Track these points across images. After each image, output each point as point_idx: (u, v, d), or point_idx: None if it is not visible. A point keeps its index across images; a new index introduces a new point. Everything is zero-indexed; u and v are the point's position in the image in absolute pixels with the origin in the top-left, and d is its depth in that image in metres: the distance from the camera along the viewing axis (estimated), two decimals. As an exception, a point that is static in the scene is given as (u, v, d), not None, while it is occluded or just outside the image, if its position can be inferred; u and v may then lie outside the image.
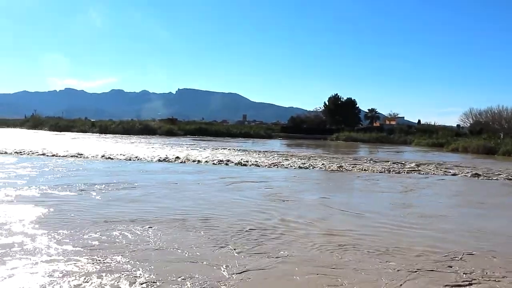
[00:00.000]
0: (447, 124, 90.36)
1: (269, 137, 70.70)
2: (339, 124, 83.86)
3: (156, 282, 5.66)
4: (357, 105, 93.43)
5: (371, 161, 27.09)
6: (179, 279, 5.78)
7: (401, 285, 5.94)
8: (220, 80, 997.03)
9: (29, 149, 26.90)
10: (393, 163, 26.51)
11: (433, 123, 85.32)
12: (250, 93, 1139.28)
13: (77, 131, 68.26)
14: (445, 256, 7.36)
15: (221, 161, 24.21)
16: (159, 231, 8.21)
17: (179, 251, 7.05)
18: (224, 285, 5.66)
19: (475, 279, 6.24)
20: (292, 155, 30.17)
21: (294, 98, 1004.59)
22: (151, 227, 8.49)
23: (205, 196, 12.63)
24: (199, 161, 23.79)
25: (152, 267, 6.22)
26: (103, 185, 13.81)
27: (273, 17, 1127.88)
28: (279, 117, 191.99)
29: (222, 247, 7.35)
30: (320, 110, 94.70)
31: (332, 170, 22.28)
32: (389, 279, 6.14)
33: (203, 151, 31.89)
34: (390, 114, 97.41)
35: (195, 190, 13.81)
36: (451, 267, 6.79)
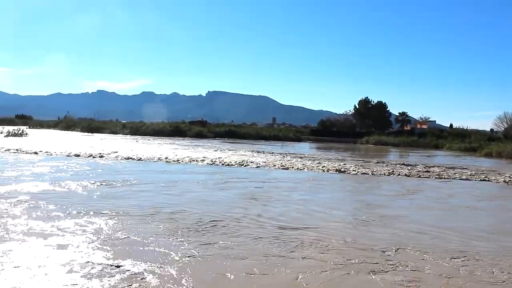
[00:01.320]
0: (480, 128, 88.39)
1: (299, 140, 70.45)
2: (369, 127, 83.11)
3: (116, 261, 6.75)
4: (387, 109, 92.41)
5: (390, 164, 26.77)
6: (135, 261, 6.75)
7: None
8: (250, 82, 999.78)
9: (55, 150, 27.70)
10: (402, 164, 26.40)
11: (465, 127, 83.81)
12: (280, 96, 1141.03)
13: (108, 133, 69.41)
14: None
15: (240, 163, 24.60)
16: (130, 222, 9.26)
17: (139, 238, 8.06)
18: (169, 266, 6.61)
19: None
20: (314, 159, 30.14)
21: (324, 101, 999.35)
22: (123, 219, 9.52)
23: (192, 194, 13.44)
24: (213, 162, 24.37)
25: (116, 249, 7.35)
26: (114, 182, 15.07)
27: (303, 20, 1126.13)
28: (308, 120, 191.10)
29: (175, 236, 8.35)
30: (350, 113, 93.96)
31: (348, 172, 22.38)
32: (318, 271, 6.73)
33: (225, 153, 32.56)
34: (421, 118, 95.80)
35: (189, 189, 14.59)
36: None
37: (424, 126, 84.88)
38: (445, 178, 21.55)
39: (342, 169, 23.34)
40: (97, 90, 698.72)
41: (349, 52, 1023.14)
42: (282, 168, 23.30)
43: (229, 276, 6.37)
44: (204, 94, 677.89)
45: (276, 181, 18.08)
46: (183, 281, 6.07)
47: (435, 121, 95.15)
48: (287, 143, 60.01)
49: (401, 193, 16.36)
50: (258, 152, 35.41)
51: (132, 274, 6.20)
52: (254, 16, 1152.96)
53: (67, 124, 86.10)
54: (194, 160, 25.13)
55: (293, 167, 23.79)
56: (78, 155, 25.54)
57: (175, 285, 5.91)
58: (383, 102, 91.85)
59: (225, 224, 9.51)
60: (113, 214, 9.99)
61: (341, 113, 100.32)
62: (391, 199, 14.97)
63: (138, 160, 24.51)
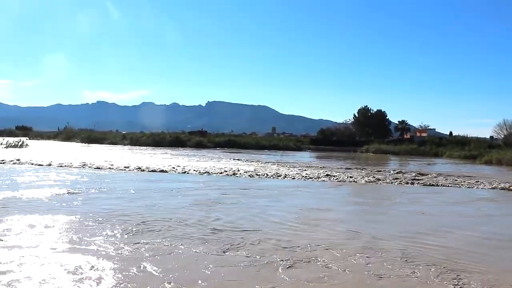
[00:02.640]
0: (480, 136, 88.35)
1: (299, 149, 70.51)
2: (369, 136, 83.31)
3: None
4: (387, 117, 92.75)
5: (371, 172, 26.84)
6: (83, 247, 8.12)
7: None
8: (250, 92, 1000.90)
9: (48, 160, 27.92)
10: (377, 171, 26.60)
11: (465, 135, 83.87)
12: (280, 106, 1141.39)
13: (108, 143, 69.45)
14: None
15: (228, 172, 24.86)
16: (84, 222, 10.38)
17: (87, 236, 9.10)
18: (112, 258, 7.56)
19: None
20: (309, 166, 30.53)
21: (323, 110, 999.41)
22: (72, 221, 10.53)
23: (148, 201, 14.09)
24: (208, 172, 24.57)
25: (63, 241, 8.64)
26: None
27: (302, 29, 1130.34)
28: (308, 129, 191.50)
29: (115, 233, 9.39)
30: (350, 122, 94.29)
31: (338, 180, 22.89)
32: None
33: (218, 162, 33.13)
34: (420, 126, 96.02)
35: (151, 196, 15.28)
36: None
37: (424, 134, 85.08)
38: (430, 185, 22.04)
39: (344, 178, 23.61)
40: (97, 101, 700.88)
41: (348, 61, 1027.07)
42: (276, 177, 23.77)
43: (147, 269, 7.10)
44: (204, 104, 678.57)
45: (255, 189, 18.46)
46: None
47: (434, 129, 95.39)
48: (287, 153, 60.05)
49: (366, 201, 16.84)
50: (253, 161, 35.74)
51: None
52: (254, 26, 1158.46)
53: (67, 135, 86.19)
54: (185, 169, 25.58)
55: (285, 176, 24.17)
56: (70, 166, 26.13)
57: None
58: (383, 110, 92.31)
59: (162, 226, 10.25)
60: (65, 217, 10.89)
61: (341, 122, 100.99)
62: (343, 203, 15.89)
63: (124, 168, 25.34)
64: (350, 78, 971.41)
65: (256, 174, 24.51)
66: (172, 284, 6.49)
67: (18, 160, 28.52)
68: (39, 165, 26.41)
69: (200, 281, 6.61)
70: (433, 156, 58.66)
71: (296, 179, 23.17)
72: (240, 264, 7.54)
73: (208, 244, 8.73)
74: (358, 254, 8.30)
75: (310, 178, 23.40)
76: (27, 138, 77.38)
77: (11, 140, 55.41)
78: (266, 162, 34.67)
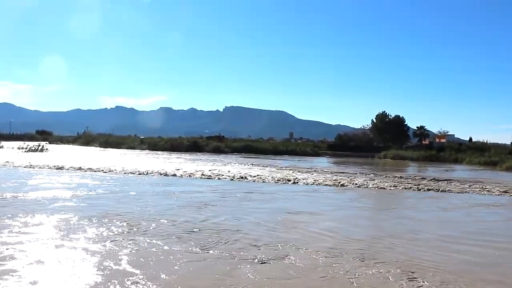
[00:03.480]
0: (500, 141, 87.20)
1: (316, 154, 70.34)
2: (387, 142, 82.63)
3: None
4: (405, 123, 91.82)
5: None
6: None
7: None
8: (267, 97, 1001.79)
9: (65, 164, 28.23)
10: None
11: (485, 141, 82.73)
12: (297, 111, 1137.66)
13: (126, 148, 70.02)
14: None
15: (237, 176, 25.35)
16: (79, 221, 11.23)
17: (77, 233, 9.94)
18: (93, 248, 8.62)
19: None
20: (323, 172, 30.76)
21: (341, 116, 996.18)
22: (66, 217, 11.62)
23: (147, 202, 14.94)
24: (220, 176, 25.14)
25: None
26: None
27: (319, 34, 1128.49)
28: (326, 134, 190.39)
29: (102, 231, 10.14)
30: (368, 127, 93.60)
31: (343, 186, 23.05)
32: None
33: (230, 167, 33.56)
34: (439, 132, 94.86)
35: (150, 198, 15.96)
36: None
37: (443, 140, 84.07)
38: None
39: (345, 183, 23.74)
40: (116, 106, 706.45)
41: (366, 67, 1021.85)
42: (286, 181, 24.01)
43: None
44: (221, 110, 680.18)
45: (258, 193, 18.87)
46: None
47: (454, 134, 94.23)
48: (304, 158, 59.91)
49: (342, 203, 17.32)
50: (267, 166, 36.08)
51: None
52: (271, 32, 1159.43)
53: (86, 139, 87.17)
54: (192, 174, 26.16)
55: (295, 181, 24.32)
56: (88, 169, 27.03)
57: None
58: (401, 116, 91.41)
59: (149, 225, 10.98)
60: (61, 215, 11.90)
61: (359, 127, 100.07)
62: (337, 208, 15.86)
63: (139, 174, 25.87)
64: (368, 84, 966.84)
65: (265, 178, 24.76)
66: (139, 277, 7.02)
67: (33, 164, 29.46)
68: (51, 168, 27.56)
69: (166, 276, 7.09)
70: (453, 162, 57.97)
71: (304, 184, 23.32)
72: (211, 260, 8.14)
73: (188, 242, 9.39)
74: (322, 253, 8.82)
75: (319, 183, 23.53)
76: (47, 142, 78.53)
77: (32, 144, 56.26)
78: (280, 167, 34.72)
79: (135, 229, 10.51)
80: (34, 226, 10.45)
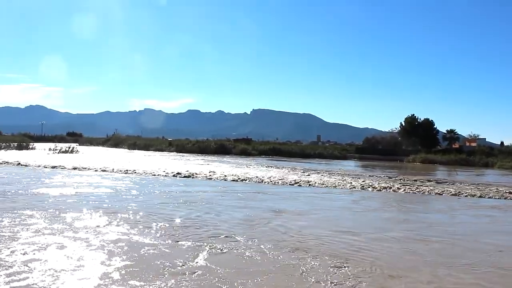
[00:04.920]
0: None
1: (344, 158, 69.95)
2: (416, 145, 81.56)
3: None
4: (434, 126, 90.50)
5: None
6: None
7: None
8: (294, 100, 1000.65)
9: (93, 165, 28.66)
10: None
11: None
12: (324, 114, 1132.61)
13: (154, 150, 70.69)
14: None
15: (253, 178, 25.67)
16: (73, 213, 12.61)
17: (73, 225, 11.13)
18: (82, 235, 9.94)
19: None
20: (344, 174, 30.53)
21: (369, 119, 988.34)
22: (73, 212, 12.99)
23: (146, 200, 15.91)
24: (235, 179, 25.42)
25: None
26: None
27: (347, 39, 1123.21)
28: (353, 138, 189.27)
29: (92, 224, 11.23)
30: (396, 131, 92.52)
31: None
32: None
33: (250, 169, 33.57)
34: (470, 135, 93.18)
35: (151, 197, 16.89)
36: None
37: (474, 144, 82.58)
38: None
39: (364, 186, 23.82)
40: (144, 109, 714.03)
41: (395, 69, 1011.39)
42: (300, 183, 24.34)
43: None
44: (249, 112, 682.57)
45: (261, 193, 19.53)
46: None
47: (485, 138, 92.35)
48: (331, 161, 59.65)
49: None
50: (289, 168, 35.73)
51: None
52: (299, 35, 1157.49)
53: (114, 141, 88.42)
54: (211, 175, 26.61)
55: (309, 183, 24.51)
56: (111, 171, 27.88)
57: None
58: (430, 119, 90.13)
59: (130, 219, 12.02)
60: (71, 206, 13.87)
61: (387, 130, 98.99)
62: (326, 208, 16.14)
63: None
64: (397, 87, 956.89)
65: (281, 180, 25.16)
66: (104, 261, 7.97)
67: (63, 165, 30.24)
68: (77, 168, 28.45)
69: (128, 261, 8.00)
70: (483, 166, 56.97)
71: (315, 186, 23.49)
72: (170, 248, 9.07)
73: (157, 233, 10.36)
74: (272, 247, 9.48)
75: (335, 185, 23.78)
76: (77, 144, 79.84)
77: (63, 146, 57.40)
78: (303, 170, 34.71)
79: (119, 222, 11.60)
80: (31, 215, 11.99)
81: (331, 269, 8.06)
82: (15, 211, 12.39)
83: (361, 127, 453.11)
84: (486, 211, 17.23)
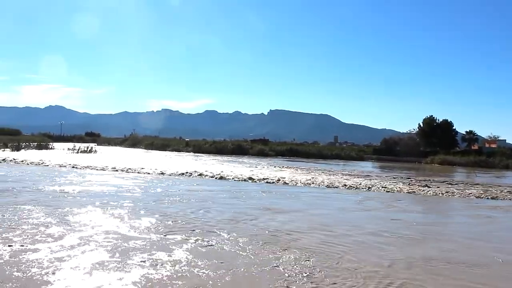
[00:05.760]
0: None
1: (361, 159, 69.57)
2: (434, 146, 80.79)
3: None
4: (453, 127, 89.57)
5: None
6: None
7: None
8: (312, 101, 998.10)
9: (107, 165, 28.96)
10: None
11: (539, 146, 79.68)
12: (342, 115, 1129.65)
13: (171, 150, 71.03)
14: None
15: (262, 179, 25.75)
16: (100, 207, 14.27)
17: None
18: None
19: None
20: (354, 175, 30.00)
21: (387, 120, 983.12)
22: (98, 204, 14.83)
23: (140, 198, 16.45)
24: (248, 179, 25.56)
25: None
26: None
27: (365, 39, 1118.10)
28: (371, 139, 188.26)
29: (91, 212, 12.92)
30: (414, 132, 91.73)
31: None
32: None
33: (262, 169, 33.33)
34: (490, 137, 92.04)
35: (151, 196, 17.10)
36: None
37: (493, 145, 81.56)
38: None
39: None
40: (162, 109, 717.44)
41: (413, 70, 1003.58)
42: (308, 183, 24.45)
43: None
44: (266, 113, 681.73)
45: (263, 192, 19.93)
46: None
47: (505, 140, 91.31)
48: (349, 162, 59.38)
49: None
50: (304, 169, 35.63)
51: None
52: (315, 37, 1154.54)
53: (132, 141, 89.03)
54: (222, 175, 26.80)
55: (318, 183, 24.56)
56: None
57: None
58: (449, 120, 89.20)
59: (125, 211, 13.27)
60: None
61: (405, 132, 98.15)
62: (317, 207, 16.48)
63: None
64: (415, 88, 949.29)
65: (291, 181, 25.27)
66: (91, 252, 8.64)
67: (76, 165, 30.73)
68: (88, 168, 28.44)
69: (114, 253, 8.62)
70: (504, 168, 56.17)
71: (322, 186, 23.50)
72: (157, 241, 9.71)
73: (147, 228, 11.03)
74: (247, 241, 10.10)
75: (353, 186, 23.77)
76: (95, 144, 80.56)
77: (81, 145, 58.05)
78: (316, 170, 34.72)
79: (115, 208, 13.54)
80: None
81: (296, 261, 8.62)
82: (16, 205, 13.30)
83: (379, 128, 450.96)
84: (486, 211, 17.37)
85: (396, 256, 9.47)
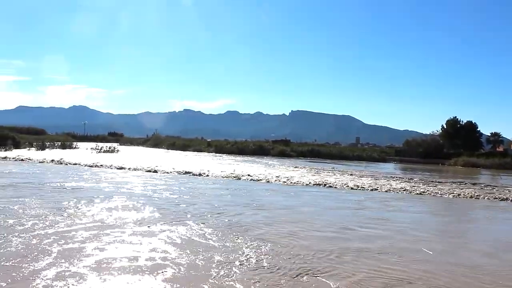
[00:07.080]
0: None
1: (383, 160, 69.14)
2: (458, 148, 79.86)
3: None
4: (478, 129, 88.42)
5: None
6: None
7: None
8: (333, 102, 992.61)
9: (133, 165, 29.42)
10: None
11: None
12: (364, 116, 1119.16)
13: (193, 150, 71.44)
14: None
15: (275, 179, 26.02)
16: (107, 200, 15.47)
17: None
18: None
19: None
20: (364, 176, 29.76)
21: (409, 121, 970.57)
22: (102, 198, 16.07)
23: (138, 195, 17.08)
24: (263, 179, 25.88)
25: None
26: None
27: (387, 40, 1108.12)
28: (393, 140, 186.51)
29: (90, 204, 14.32)
30: (437, 133, 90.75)
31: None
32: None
33: (278, 170, 33.68)
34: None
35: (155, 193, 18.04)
36: None
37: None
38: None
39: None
40: (184, 109, 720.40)
41: (437, 70, 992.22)
42: (320, 184, 24.57)
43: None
44: (287, 113, 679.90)
45: (265, 191, 20.73)
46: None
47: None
48: (371, 163, 59.01)
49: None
50: (320, 169, 35.45)
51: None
52: (337, 38, 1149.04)
53: (154, 141, 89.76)
54: (238, 175, 27.29)
55: (327, 184, 24.56)
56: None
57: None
58: (473, 122, 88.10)
59: (113, 203, 14.61)
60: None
61: (428, 133, 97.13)
62: (312, 205, 16.87)
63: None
64: (438, 88, 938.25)
65: (301, 180, 25.60)
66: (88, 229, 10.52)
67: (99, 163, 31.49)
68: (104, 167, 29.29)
69: (99, 240, 9.67)
70: (530, 170, 55.22)
71: (332, 187, 23.66)
72: (142, 233, 10.50)
73: (134, 220, 11.93)
74: (219, 231, 11.14)
75: (357, 186, 24.08)
76: (118, 143, 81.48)
77: (104, 145, 58.85)
78: (334, 171, 34.61)
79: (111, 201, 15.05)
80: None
81: (253, 249, 9.51)
82: (20, 198, 14.58)
83: (401, 129, 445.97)
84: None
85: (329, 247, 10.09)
